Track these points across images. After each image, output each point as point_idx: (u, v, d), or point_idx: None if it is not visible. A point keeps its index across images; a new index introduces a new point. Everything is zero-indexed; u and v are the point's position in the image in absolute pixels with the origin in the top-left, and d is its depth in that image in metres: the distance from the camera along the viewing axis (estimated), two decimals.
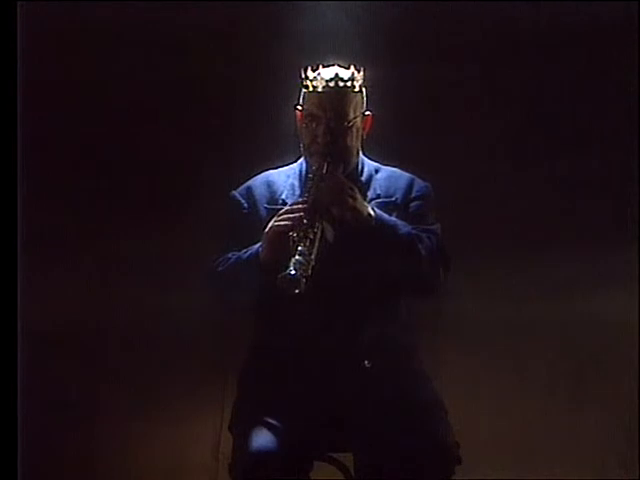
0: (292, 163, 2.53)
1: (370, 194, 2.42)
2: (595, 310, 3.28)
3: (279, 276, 2.13)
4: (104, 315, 3.27)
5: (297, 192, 2.43)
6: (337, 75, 2.36)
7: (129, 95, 3.25)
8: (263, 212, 2.41)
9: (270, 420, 2.25)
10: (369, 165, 2.50)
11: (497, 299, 3.26)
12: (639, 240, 3.27)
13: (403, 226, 2.32)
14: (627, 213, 3.30)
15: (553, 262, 3.31)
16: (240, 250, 2.35)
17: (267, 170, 2.54)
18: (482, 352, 3.29)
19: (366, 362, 2.35)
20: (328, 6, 3.24)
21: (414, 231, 2.32)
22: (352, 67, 2.40)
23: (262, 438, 2.20)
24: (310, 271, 2.15)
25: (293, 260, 2.14)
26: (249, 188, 2.48)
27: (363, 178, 2.46)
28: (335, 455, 2.38)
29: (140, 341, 3.25)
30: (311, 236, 2.20)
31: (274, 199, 2.44)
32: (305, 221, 2.22)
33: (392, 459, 2.18)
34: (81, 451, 3.26)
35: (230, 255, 2.36)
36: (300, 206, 2.27)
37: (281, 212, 2.28)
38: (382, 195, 2.43)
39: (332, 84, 2.35)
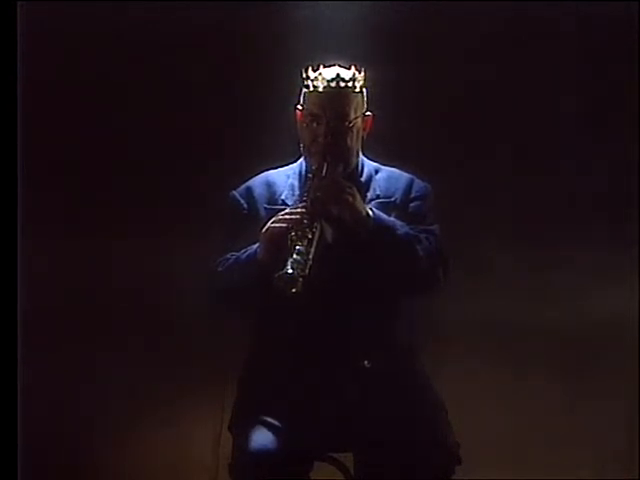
0: (292, 163, 2.53)
1: (369, 194, 2.42)
2: (595, 309, 3.28)
3: (276, 275, 2.13)
4: (104, 315, 3.27)
5: (297, 192, 2.42)
6: (338, 75, 2.35)
7: (129, 95, 3.25)
8: (263, 212, 2.40)
9: (270, 420, 2.26)
10: (369, 165, 2.50)
11: (497, 299, 3.26)
12: (639, 240, 3.27)
13: (402, 226, 2.31)
14: (627, 213, 3.30)
15: (553, 262, 3.31)
16: (240, 250, 2.35)
17: (267, 170, 2.53)
18: (482, 352, 3.29)
19: (366, 362, 2.35)
20: (328, 6, 3.24)
21: (413, 232, 2.32)
22: (353, 67, 2.40)
23: (262, 438, 2.20)
24: (308, 271, 2.15)
25: (291, 259, 2.14)
26: (249, 188, 2.47)
27: (363, 178, 2.45)
28: (335, 455, 2.38)
29: (140, 341, 3.25)
30: (309, 235, 2.20)
31: (274, 199, 2.43)
32: (304, 221, 2.22)
33: (392, 459, 2.19)
34: (81, 451, 3.27)
35: (229, 255, 2.36)
36: (299, 207, 2.27)
37: (280, 213, 2.28)
38: (381, 195, 2.43)
39: (333, 84, 2.35)
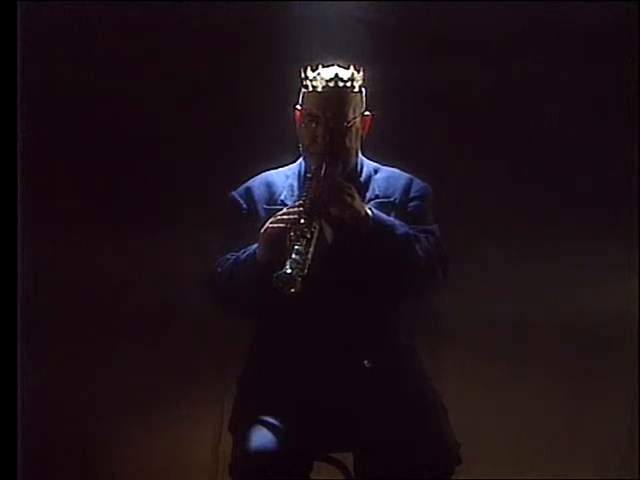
0: (291, 163, 2.53)
1: (369, 194, 2.42)
2: (595, 309, 3.28)
3: (275, 275, 2.13)
4: (104, 315, 3.27)
5: (296, 192, 2.43)
6: (337, 75, 2.36)
7: (129, 95, 3.25)
8: (262, 213, 2.40)
9: (270, 420, 2.25)
10: (368, 165, 2.50)
11: (497, 299, 3.26)
12: (639, 238, 3.27)
13: (401, 226, 2.31)
14: (627, 212, 3.30)
15: (553, 262, 3.31)
16: (239, 251, 2.35)
17: (266, 170, 2.54)
18: (482, 352, 3.29)
19: (366, 362, 2.35)
20: (328, 6, 3.24)
21: (412, 231, 2.32)
22: (352, 67, 2.40)
23: (262, 438, 2.20)
24: (306, 270, 2.15)
25: (289, 259, 2.15)
26: (248, 189, 2.48)
27: (362, 178, 2.46)
28: (335, 455, 2.39)
29: (140, 341, 3.25)
30: (308, 235, 2.20)
31: (273, 200, 2.44)
32: (302, 220, 2.22)
33: (392, 459, 2.19)
34: (81, 451, 3.27)
35: (229, 256, 2.36)
36: (297, 207, 2.27)
37: (278, 213, 2.28)
38: (381, 195, 2.43)
39: (332, 84, 2.35)
